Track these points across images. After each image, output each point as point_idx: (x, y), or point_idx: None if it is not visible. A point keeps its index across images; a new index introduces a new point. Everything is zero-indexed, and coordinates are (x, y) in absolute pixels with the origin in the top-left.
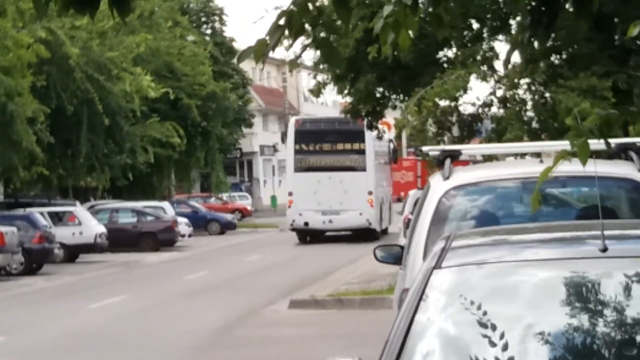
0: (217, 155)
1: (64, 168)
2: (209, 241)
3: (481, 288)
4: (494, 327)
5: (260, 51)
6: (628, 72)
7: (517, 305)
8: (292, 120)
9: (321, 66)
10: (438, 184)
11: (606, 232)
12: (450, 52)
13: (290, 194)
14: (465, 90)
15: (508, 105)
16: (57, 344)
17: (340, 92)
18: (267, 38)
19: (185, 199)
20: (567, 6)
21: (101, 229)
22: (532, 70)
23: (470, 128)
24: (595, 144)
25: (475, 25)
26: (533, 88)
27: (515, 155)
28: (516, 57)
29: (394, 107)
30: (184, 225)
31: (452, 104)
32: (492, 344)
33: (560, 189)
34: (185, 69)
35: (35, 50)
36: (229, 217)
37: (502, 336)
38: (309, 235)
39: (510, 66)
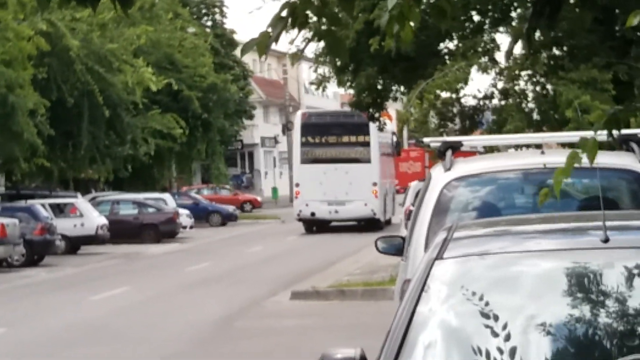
0: (218, 147)
1: (65, 160)
2: (210, 233)
3: (483, 279)
4: (496, 318)
5: (263, 43)
6: (629, 64)
7: (519, 296)
8: (299, 113)
9: (321, 59)
10: (439, 175)
11: (608, 223)
12: (452, 44)
13: (297, 185)
14: (466, 82)
15: (509, 96)
16: (59, 336)
17: (340, 84)
18: (270, 30)
19: (191, 190)
20: None
21: (102, 220)
22: (533, 62)
23: (471, 120)
24: (597, 135)
25: (476, 17)
26: (534, 80)
27: (517, 146)
28: (517, 49)
29: (395, 99)
30: (185, 217)
31: (454, 95)
32: (495, 334)
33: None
34: (186, 61)
35: (35, 43)
36: (230, 208)
37: (504, 327)
38: (315, 225)
39: (511, 58)
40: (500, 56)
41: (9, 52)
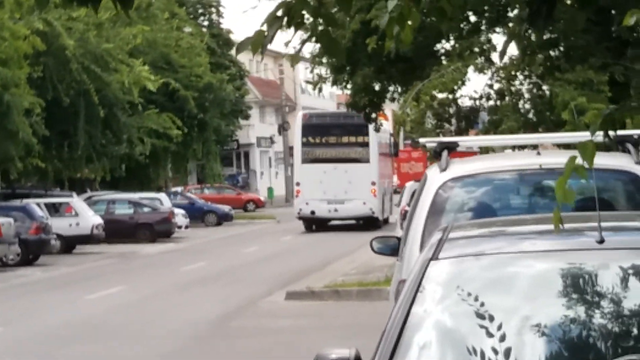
0: (214, 147)
1: (61, 159)
2: (206, 232)
3: (478, 279)
4: (491, 318)
5: (258, 42)
6: (625, 65)
7: (514, 297)
8: (299, 114)
9: (318, 59)
10: (435, 176)
11: (603, 224)
12: (448, 45)
13: (297, 184)
14: (463, 83)
15: (505, 97)
16: (56, 334)
17: (335, 83)
18: (265, 29)
19: (194, 190)
20: None
21: (98, 220)
22: (529, 63)
23: (468, 120)
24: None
25: (473, 18)
26: (530, 80)
27: (513, 147)
28: (514, 50)
29: (393, 100)
30: (180, 217)
31: (450, 96)
32: (490, 335)
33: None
34: (182, 61)
35: (31, 42)
36: (225, 208)
37: (499, 327)
38: (314, 224)
39: (507, 58)
40: (496, 57)
41: (4, 51)
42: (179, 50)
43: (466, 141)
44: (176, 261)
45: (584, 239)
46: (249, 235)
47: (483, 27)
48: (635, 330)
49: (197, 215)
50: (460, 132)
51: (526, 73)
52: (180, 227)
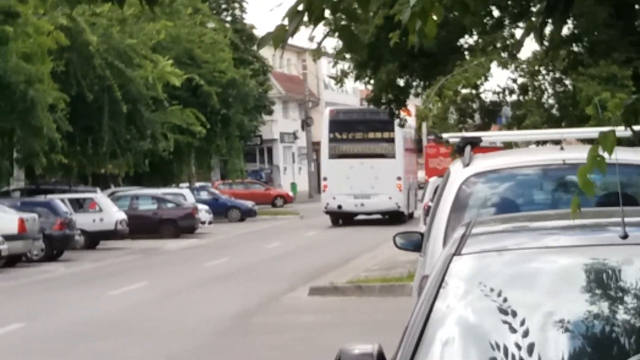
0: (237, 142)
1: (85, 155)
2: (229, 228)
3: (501, 275)
4: (514, 314)
5: (279, 37)
6: None
7: (537, 292)
8: (327, 110)
9: (341, 54)
10: (458, 171)
11: (626, 219)
12: (471, 40)
13: (324, 179)
14: (486, 78)
15: (529, 92)
16: (77, 330)
17: (358, 78)
18: (286, 23)
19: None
20: None
21: (122, 215)
22: (553, 58)
23: (491, 115)
24: (617, 131)
25: (496, 13)
26: (553, 75)
27: (536, 142)
28: (537, 45)
29: (417, 95)
30: (204, 212)
31: (473, 91)
32: (513, 330)
33: None
34: (206, 56)
35: (55, 38)
36: (249, 204)
37: (522, 323)
38: (341, 218)
39: (530, 53)
40: (520, 52)
41: (28, 47)
42: (202, 46)
43: (489, 136)
44: (199, 257)
45: (607, 234)
46: (272, 230)
47: (506, 22)
48: None
49: (221, 210)
50: (484, 127)
51: (550, 68)
52: (203, 222)
